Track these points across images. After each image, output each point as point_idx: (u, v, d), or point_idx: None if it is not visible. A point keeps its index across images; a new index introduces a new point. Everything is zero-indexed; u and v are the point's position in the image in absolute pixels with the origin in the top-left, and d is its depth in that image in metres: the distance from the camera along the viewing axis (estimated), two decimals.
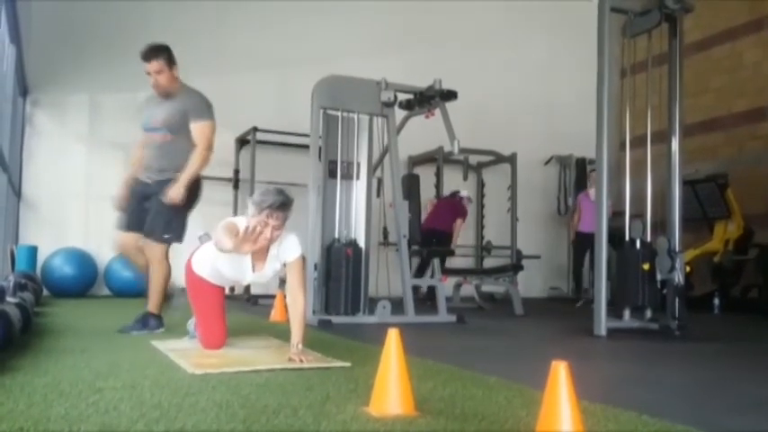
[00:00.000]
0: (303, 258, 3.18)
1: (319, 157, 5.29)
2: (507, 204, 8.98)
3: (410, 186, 6.10)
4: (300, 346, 2.92)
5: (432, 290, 6.70)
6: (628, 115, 5.03)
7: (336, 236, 5.18)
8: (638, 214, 4.94)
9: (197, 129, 4.03)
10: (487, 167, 9.45)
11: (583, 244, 7.94)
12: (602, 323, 4.54)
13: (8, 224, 6.46)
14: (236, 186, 8.09)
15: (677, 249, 4.68)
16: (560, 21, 9.74)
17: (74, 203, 7.44)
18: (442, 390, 2.38)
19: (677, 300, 4.54)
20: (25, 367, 2.58)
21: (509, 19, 9.70)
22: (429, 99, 5.65)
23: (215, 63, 7.97)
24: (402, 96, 5.76)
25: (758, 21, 8.62)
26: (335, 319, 4.86)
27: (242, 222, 3.01)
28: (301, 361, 2.82)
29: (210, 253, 3.13)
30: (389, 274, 6.17)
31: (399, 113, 5.85)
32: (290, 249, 3.06)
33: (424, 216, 7.54)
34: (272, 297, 5.47)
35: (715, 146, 8.93)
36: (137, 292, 6.33)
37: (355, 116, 5.40)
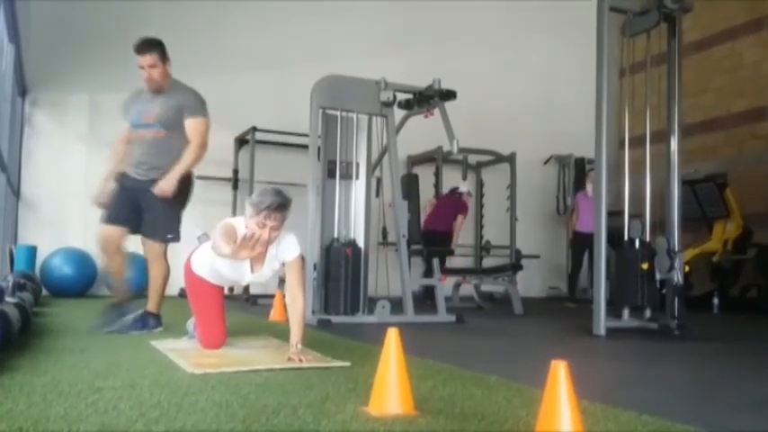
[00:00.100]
0: (302, 258, 3.18)
1: (318, 156, 5.29)
2: (506, 204, 8.97)
3: (409, 186, 6.10)
4: (300, 345, 2.91)
5: (431, 289, 6.71)
6: (627, 115, 5.03)
7: (336, 236, 5.18)
8: (637, 214, 4.95)
9: (191, 125, 3.98)
10: (487, 167, 9.45)
11: (581, 244, 7.93)
12: (602, 323, 4.54)
13: (7, 224, 6.46)
14: (235, 186, 8.08)
15: (676, 249, 4.68)
16: (560, 21, 9.74)
17: (73, 203, 7.42)
18: (442, 389, 2.38)
19: (676, 299, 4.54)
20: (24, 367, 2.58)
21: (509, 19, 9.70)
22: (428, 99, 5.66)
23: (215, 63, 7.97)
24: (401, 96, 5.76)
25: (758, 20, 8.62)
26: (335, 319, 4.86)
27: (240, 223, 3.01)
28: (301, 360, 2.82)
29: (209, 253, 3.13)
30: (389, 274, 6.18)
31: (398, 113, 5.85)
32: (289, 249, 3.05)
33: (423, 217, 7.54)
34: (272, 297, 5.47)
35: (714, 146, 8.94)
36: (136, 292, 6.34)
37: (354, 116, 5.40)
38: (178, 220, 4.03)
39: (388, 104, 5.47)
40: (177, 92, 4.02)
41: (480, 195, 9.42)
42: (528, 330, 5.23)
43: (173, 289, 5.28)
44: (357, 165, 5.38)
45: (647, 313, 4.73)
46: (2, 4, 5.07)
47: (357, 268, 5.09)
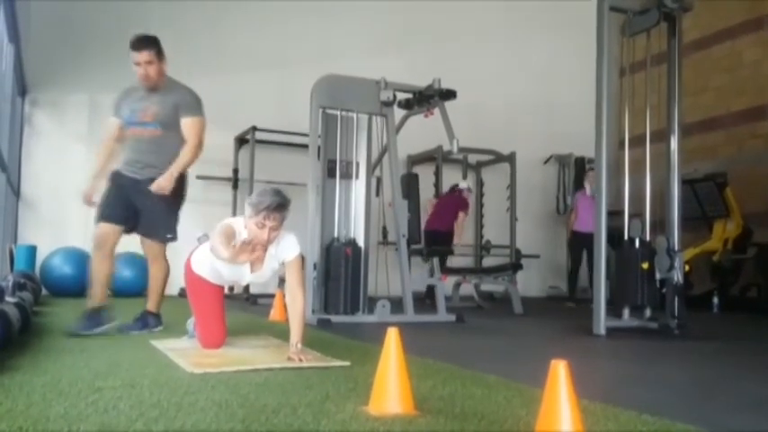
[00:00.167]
0: (302, 257, 3.18)
1: (318, 156, 5.29)
2: (506, 203, 8.97)
3: (409, 185, 6.09)
4: (300, 345, 2.91)
5: (431, 289, 6.71)
6: (627, 114, 5.03)
7: (336, 235, 5.18)
8: (637, 213, 4.94)
9: (188, 124, 3.93)
10: (487, 166, 9.45)
11: (579, 243, 7.90)
12: (602, 322, 4.54)
13: (7, 224, 6.46)
14: (235, 186, 8.08)
15: (676, 248, 4.68)
16: (560, 21, 9.74)
17: (73, 203, 7.30)
18: (442, 389, 2.37)
19: (676, 299, 4.54)
20: (24, 366, 2.58)
21: (509, 19, 9.70)
22: (428, 98, 5.65)
23: (215, 62, 7.97)
24: (401, 96, 5.76)
25: (757, 20, 8.62)
26: (335, 319, 4.86)
27: (240, 223, 3.01)
28: (300, 360, 2.82)
29: (209, 253, 3.13)
30: (389, 274, 6.17)
31: (398, 113, 5.85)
32: (289, 249, 3.06)
33: (425, 218, 7.54)
34: (272, 296, 5.47)
35: (714, 145, 8.93)
36: (136, 291, 6.35)
37: (354, 115, 5.39)
38: (176, 220, 4.01)
39: (388, 104, 5.47)
40: (173, 90, 3.98)
41: (480, 195, 9.42)
42: (528, 330, 5.23)
43: (173, 289, 5.29)
44: (357, 164, 5.38)
45: (647, 313, 4.73)
46: (2, 4, 5.06)
47: (357, 268, 5.09)
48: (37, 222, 7.28)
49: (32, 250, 6.85)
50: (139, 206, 3.93)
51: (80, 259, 7.06)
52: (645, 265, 4.64)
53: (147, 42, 3.90)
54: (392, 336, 2.02)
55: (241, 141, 8.14)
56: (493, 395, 2.28)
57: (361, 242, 5.23)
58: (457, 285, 7.37)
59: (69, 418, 1.81)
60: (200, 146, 3.99)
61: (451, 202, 7.84)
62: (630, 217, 4.88)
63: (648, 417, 1.99)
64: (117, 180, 3.96)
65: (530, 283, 9.23)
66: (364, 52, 8.34)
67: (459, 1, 9.34)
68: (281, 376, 2.54)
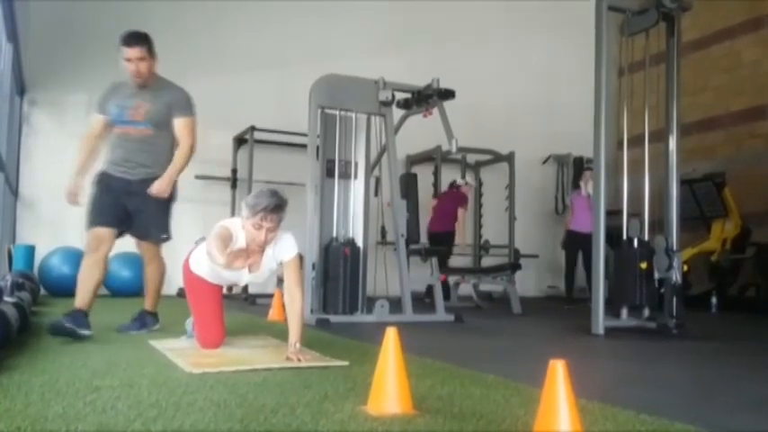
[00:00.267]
0: (300, 257, 3.18)
1: (317, 156, 5.29)
2: (505, 203, 8.97)
3: (408, 185, 6.09)
4: (298, 345, 2.91)
5: (430, 289, 6.71)
6: (625, 114, 5.03)
7: (334, 235, 5.18)
8: (635, 213, 4.94)
9: (181, 124, 3.87)
10: (485, 166, 9.45)
11: (574, 243, 7.85)
12: (600, 322, 4.54)
13: (5, 223, 6.46)
14: (233, 186, 8.08)
15: (675, 248, 4.68)
16: (560, 21, 9.74)
17: None
18: (440, 388, 2.37)
19: (675, 298, 4.55)
20: (22, 366, 2.58)
21: (509, 19, 9.71)
22: (427, 98, 5.65)
23: (214, 62, 7.97)
24: (400, 95, 5.75)
25: (756, 19, 8.63)
26: (333, 319, 4.86)
27: (237, 224, 3.01)
28: (299, 360, 2.81)
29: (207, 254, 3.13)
30: (387, 274, 6.17)
31: (397, 113, 5.85)
32: (287, 249, 3.06)
33: (427, 218, 7.53)
34: (270, 296, 5.47)
35: (713, 145, 8.94)
36: (135, 291, 6.35)
37: (353, 115, 5.39)
38: (169, 219, 3.97)
39: (387, 104, 5.47)
40: (165, 88, 3.91)
41: (479, 195, 9.42)
42: (526, 330, 5.23)
43: (171, 289, 5.28)
44: (356, 164, 5.38)
45: (646, 312, 4.73)
46: (0, 4, 5.05)
47: (356, 267, 5.09)
48: (35, 222, 7.27)
49: (31, 250, 6.85)
50: (131, 208, 3.85)
51: (78, 259, 6.92)
52: (643, 265, 4.64)
53: (139, 39, 3.80)
54: (391, 335, 2.02)
55: (240, 141, 8.13)
56: (491, 395, 2.28)
57: (359, 242, 5.23)
58: (456, 285, 7.37)
59: (67, 418, 1.81)
60: (194, 147, 3.93)
61: (451, 201, 7.84)
62: (629, 217, 4.88)
63: (647, 416, 1.99)
64: (105, 181, 3.85)
65: (528, 282, 9.24)
66: (364, 52, 8.34)
67: (459, 1, 9.34)
68: (280, 376, 2.54)
